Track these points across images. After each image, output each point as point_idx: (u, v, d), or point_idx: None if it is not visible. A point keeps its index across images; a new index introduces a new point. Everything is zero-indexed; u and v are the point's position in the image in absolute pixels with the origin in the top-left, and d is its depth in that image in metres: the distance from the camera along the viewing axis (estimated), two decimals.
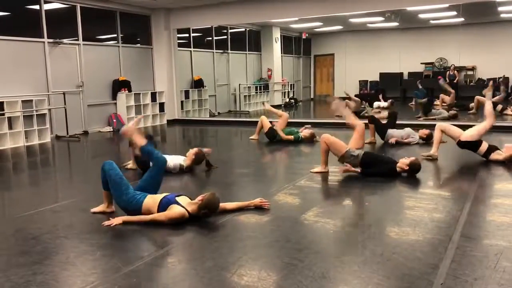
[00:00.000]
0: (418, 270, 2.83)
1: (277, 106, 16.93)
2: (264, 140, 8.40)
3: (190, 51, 13.79)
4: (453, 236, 3.38)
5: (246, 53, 16.43)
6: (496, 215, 3.97)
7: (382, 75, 18.43)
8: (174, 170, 5.79)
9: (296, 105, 17.57)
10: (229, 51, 15.43)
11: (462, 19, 15.57)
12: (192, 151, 6.02)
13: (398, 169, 5.25)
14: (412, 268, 2.86)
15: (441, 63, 17.90)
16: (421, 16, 14.72)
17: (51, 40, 9.80)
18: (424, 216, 3.91)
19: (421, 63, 18.01)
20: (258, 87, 16.57)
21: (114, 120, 11.13)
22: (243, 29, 16.20)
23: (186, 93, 13.35)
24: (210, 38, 14.71)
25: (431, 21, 16.49)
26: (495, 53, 16.61)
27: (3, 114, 8.60)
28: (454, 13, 13.65)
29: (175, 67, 12.63)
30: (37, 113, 9.20)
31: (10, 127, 8.80)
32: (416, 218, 3.87)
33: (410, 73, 18.25)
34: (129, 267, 2.99)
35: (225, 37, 15.36)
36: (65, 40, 10.15)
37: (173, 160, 5.85)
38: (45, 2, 9.66)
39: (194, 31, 14.01)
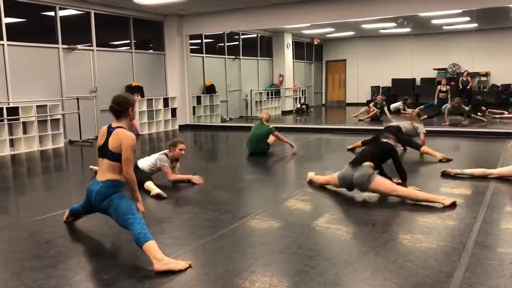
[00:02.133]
0: (432, 278, 2.79)
1: (288, 112, 16.96)
2: (277, 146, 8.36)
3: (202, 57, 13.86)
4: (467, 244, 3.35)
5: (257, 59, 16.47)
6: (511, 223, 3.92)
7: (394, 81, 18.33)
8: (154, 167, 5.48)
9: (308, 111, 17.54)
10: (241, 57, 15.48)
11: (476, 24, 15.44)
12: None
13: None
14: (426, 276, 2.83)
15: (454, 68, 17.77)
16: (434, 22, 14.63)
17: (65, 46, 9.93)
18: (438, 223, 3.87)
19: (434, 69, 17.89)
20: (270, 93, 16.59)
21: None
22: (255, 35, 16.25)
23: (198, 99, 13.42)
24: (222, 44, 14.78)
25: (444, 27, 16.38)
26: (509, 59, 16.44)
27: (18, 119, 8.72)
28: (468, 18, 13.55)
29: (187, 72, 12.71)
30: (51, 118, 9.31)
31: (25, 132, 8.92)
32: (429, 225, 3.83)
33: (422, 79, 18.14)
34: (141, 273, 3.00)
35: (237, 43, 15.42)
36: (79, 46, 10.27)
37: (149, 160, 5.52)
38: (60, 9, 9.80)
39: (207, 37, 14.10)
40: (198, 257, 3.34)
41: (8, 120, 8.56)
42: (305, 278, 2.84)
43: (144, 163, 5.50)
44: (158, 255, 3.03)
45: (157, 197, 4.92)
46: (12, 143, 8.73)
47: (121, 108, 3.50)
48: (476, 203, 4.45)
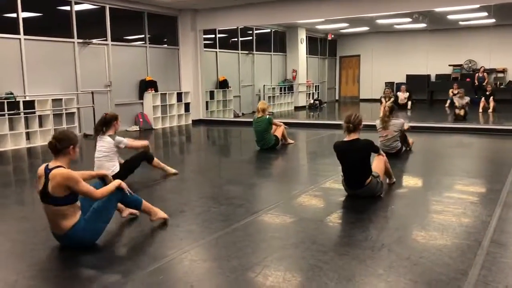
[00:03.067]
0: (447, 275, 2.77)
1: (301, 108, 16.91)
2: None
3: (216, 52, 13.87)
4: (482, 241, 3.31)
5: (271, 54, 16.43)
6: None
7: (409, 77, 18.15)
8: (115, 150, 5.28)
9: (321, 106, 17.47)
10: (254, 52, 15.47)
11: (493, 20, 15.21)
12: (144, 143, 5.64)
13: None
14: (440, 273, 2.81)
15: (470, 65, 17.54)
16: (450, 17, 14.44)
17: (80, 41, 10.01)
18: (452, 220, 3.84)
19: (449, 65, 17.68)
20: (283, 88, 16.55)
21: (141, 120, 11.29)
22: (269, 30, 16.21)
23: (211, 94, 13.44)
24: (236, 39, 14.77)
25: (461, 23, 16.16)
26: None
27: (34, 112, 8.83)
28: (485, 14, 13.35)
29: (200, 67, 12.73)
30: (66, 111, 9.42)
31: (41, 125, 9.03)
32: (444, 222, 3.80)
33: (437, 75, 17.94)
34: (155, 265, 3.02)
35: (251, 38, 15.40)
36: (94, 41, 10.35)
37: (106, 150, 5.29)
38: (76, 3, 9.87)
39: (220, 32, 14.10)
40: (211, 251, 3.36)
41: (25, 113, 8.68)
42: (319, 273, 2.84)
43: (110, 157, 5.26)
44: None
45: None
46: (28, 136, 8.84)
47: (60, 145, 3.23)
48: (492, 201, 4.40)
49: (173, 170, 5.84)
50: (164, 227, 3.79)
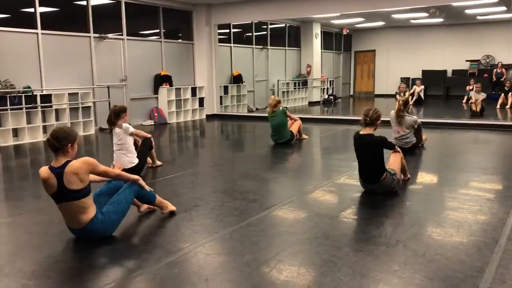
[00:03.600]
0: (463, 272, 2.75)
1: (316, 103, 16.83)
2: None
3: (230, 46, 13.87)
4: (499, 239, 3.27)
5: (285, 49, 16.38)
6: None
7: (424, 72, 17.94)
8: (129, 129, 5.50)
9: (335, 101, 17.38)
10: (269, 46, 15.43)
11: None
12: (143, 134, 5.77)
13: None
14: (456, 270, 2.78)
15: (487, 60, 17.26)
16: (468, 11, 14.21)
17: (96, 35, 10.09)
18: (468, 217, 3.80)
19: (466, 61, 17.42)
20: (297, 83, 16.50)
21: (156, 114, 11.36)
22: (283, 25, 16.15)
23: (225, 89, 13.46)
24: (250, 34, 14.75)
25: (478, 17, 15.90)
26: None
27: (51, 106, 8.95)
28: (504, 8, 13.10)
29: (215, 62, 12.74)
30: (82, 105, 9.52)
31: (57, 119, 9.14)
32: (460, 219, 3.76)
33: (454, 71, 17.70)
34: (170, 258, 3.05)
35: (265, 32, 15.36)
36: (110, 35, 10.42)
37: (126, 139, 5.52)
38: None
39: (235, 26, 14.08)
40: (225, 245, 3.37)
41: (42, 107, 8.79)
42: (333, 268, 2.84)
43: (129, 143, 5.48)
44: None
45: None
46: (45, 129, 8.96)
47: (58, 143, 3.18)
48: (509, 198, 4.34)
49: (158, 163, 6.06)
50: (178, 220, 3.82)
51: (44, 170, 3.22)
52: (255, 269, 2.85)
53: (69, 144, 3.22)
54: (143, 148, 5.73)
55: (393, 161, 4.73)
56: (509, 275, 2.71)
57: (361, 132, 4.59)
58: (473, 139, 8.33)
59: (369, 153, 4.46)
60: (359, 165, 4.62)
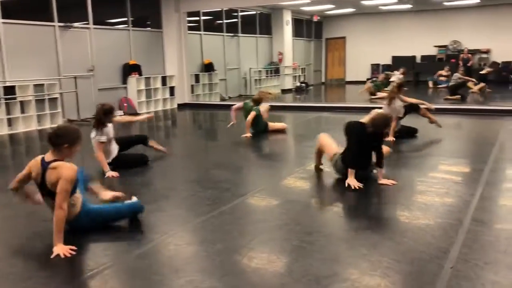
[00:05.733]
0: (429, 254, 2.82)
1: (288, 90, 16.87)
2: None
3: (200, 34, 13.72)
4: (464, 220, 3.36)
5: (256, 37, 16.31)
6: (508, 200, 3.94)
7: (394, 58, 18.19)
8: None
9: (307, 89, 17.46)
10: (240, 34, 15.33)
11: (478, 0, 15.25)
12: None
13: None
14: (423, 252, 2.85)
15: (454, 45, 17.62)
16: None
17: (62, 24, 9.81)
18: (436, 200, 3.89)
19: (434, 46, 17.75)
20: (269, 71, 16.48)
21: (125, 104, 11.17)
22: (254, 12, 16.06)
23: (196, 77, 13.33)
24: (221, 21, 14.61)
25: (445, 3, 16.19)
26: (511, 35, 16.27)
27: (15, 98, 8.68)
28: None
29: (185, 50, 12.58)
30: (48, 97, 9.27)
31: (22, 111, 8.88)
32: (427, 202, 3.84)
33: (423, 56, 18.01)
34: (141, 249, 3.02)
35: (236, 20, 15.25)
36: (75, 24, 10.15)
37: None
38: None
39: (204, 14, 13.92)
40: (197, 234, 3.36)
41: (5, 99, 8.52)
42: (303, 254, 2.87)
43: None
44: None
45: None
46: (10, 122, 8.70)
47: (56, 140, 3.12)
48: (474, 180, 4.46)
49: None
50: (149, 211, 3.77)
51: (37, 159, 3.17)
52: (226, 258, 2.86)
53: (66, 145, 3.12)
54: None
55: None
56: (472, 254, 2.80)
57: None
58: (444, 123, 8.51)
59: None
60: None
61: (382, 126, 4.41)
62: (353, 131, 4.49)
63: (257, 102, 7.65)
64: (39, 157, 3.19)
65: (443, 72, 15.34)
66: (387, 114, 4.61)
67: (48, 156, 3.14)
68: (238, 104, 7.98)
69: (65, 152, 3.14)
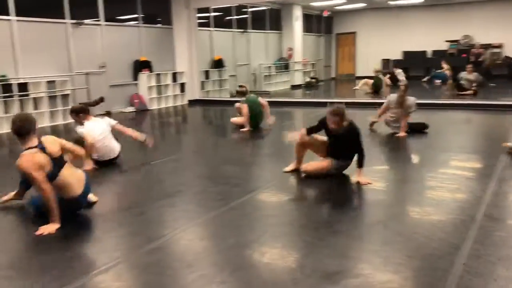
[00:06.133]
0: (440, 250, 2.81)
1: (298, 86, 16.83)
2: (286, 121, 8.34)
3: (210, 30, 13.73)
4: (476, 216, 3.35)
5: (266, 32, 16.28)
6: None
7: (405, 53, 18.04)
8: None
9: (317, 84, 17.39)
10: (250, 30, 15.31)
11: None
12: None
13: None
14: (434, 248, 2.85)
15: (466, 40, 17.43)
16: None
17: (73, 21, 9.88)
18: (447, 196, 3.87)
19: (446, 41, 17.56)
20: (279, 67, 16.45)
21: (136, 101, 11.23)
22: (264, 8, 16.02)
23: (207, 73, 13.35)
24: (230, 18, 14.60)
25: None
26: None
27: (28, 95, 8.77)
28: None
29: (195, 47, 12.60)
30: (60, 93, 9.35)
31: (35, 108, 8.98)
32: (438, 198, 3.83)
33: (434, 51, 17.84)
34: (152, 244, 3.05)
35: (245, 16, 15.23)
36: (86, 21, 10.21)
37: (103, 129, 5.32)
38: None
39: (214, 10, 13.92)
40: (208, 230, 3.39)
41: (19, 96, 8.62)
42: (314, 250, 2.88)
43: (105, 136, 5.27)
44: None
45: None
46: None
47: (24, 129, 3.40)
48: (486, 176, 4.43)
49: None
50: (160, 207, 3.81)
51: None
52: (238, 253, 2.88)
53: (32, 132, 3.41)
54: None
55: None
56: (484, 250, 2.79)
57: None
58: (454, 119, 8.45)
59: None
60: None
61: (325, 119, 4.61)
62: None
63: (244, 94, 7.84)
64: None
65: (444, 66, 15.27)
66: None
67: (22, 147, 3.38)
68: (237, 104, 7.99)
69: (31, 139, 3.38)
